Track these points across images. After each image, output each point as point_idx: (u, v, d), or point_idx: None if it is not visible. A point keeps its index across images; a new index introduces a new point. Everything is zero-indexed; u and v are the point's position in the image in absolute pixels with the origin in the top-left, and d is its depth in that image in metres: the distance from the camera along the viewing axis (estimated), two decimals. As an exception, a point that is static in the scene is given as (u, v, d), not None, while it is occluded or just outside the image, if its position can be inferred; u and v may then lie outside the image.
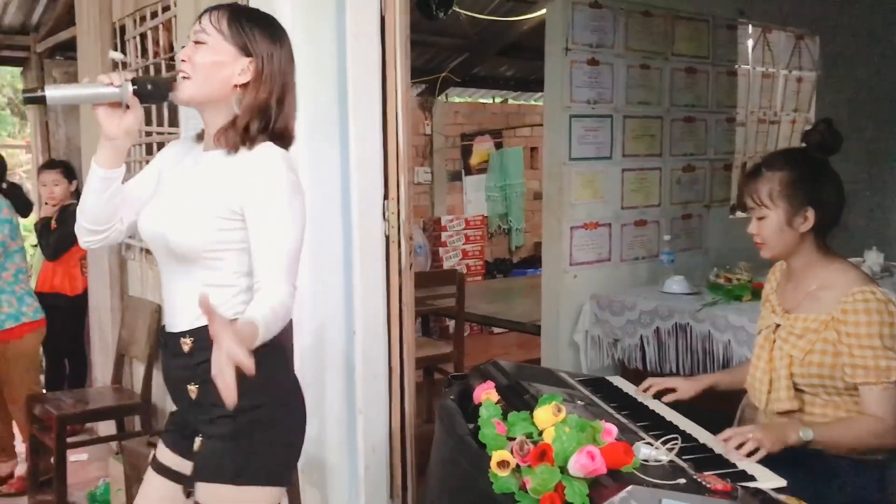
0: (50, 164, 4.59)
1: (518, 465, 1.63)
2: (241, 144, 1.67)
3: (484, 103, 7.97)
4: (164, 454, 1.83)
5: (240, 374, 1.38)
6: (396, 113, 2.71)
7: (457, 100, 7.79)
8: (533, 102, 8.24)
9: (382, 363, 2.80)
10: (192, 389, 1.70)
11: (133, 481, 2.81)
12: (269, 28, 1.73)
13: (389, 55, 2.69)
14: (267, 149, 1.67)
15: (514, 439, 1.69)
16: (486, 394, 2.04)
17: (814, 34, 5.03)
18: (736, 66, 4.56)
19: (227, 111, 1.70)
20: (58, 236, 4.38)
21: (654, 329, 3.45)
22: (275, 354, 1.69)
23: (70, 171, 4.51)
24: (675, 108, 4.21)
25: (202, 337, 1.57)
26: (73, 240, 4.55)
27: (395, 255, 2.77)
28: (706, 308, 3.32)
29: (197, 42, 1.68)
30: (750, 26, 4.69)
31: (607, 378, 2.53)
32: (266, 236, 1.62)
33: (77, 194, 4.52)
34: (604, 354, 3.69)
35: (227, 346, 1.35)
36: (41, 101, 1.60)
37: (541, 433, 1.69)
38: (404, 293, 2.80)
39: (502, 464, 1.62)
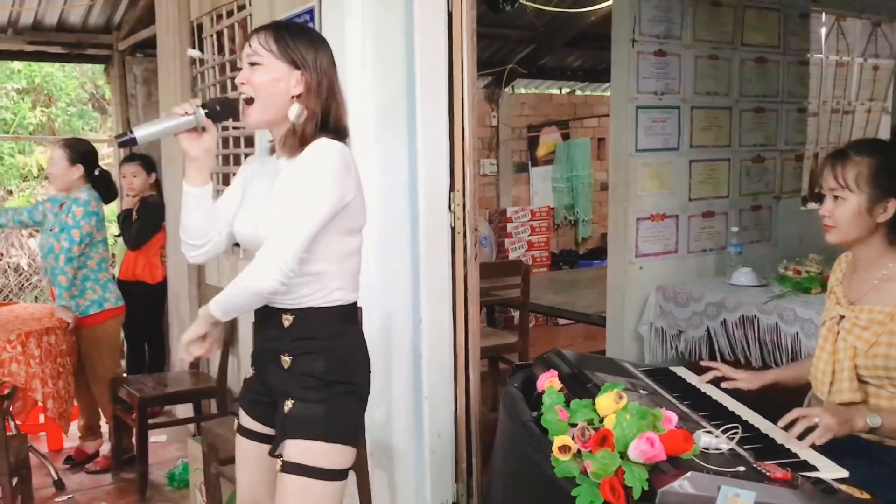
0: (131, 157, 4.79)
1: (579, 451, 1.68)
2: (299, 147, 1.82)
3: (551, 94, 7.95)
4: (245, 419, 2.03)
5: (338, 355, 1.87)
6: (463, 106, 2.76)
7: (523, 91, 7.79)
8: (600, 93, 8.19)
9: (448, 351, 2.86)
10: (286, 360, 1.88)
11: (211, 460, 2.94)
12: (310, 37, 1.89)
13: (456, 50, 2.74)
14: (320, 140, 1.82)
15: (575, 425, 1.74)
16: (549, 381, 2.08)
17: (892, 20, 4.90)
18: (808, 55, 4.47)
19: (288, 121, 1.85)
20: (139, 227, 4.57)
21: (720, 321, 3.43)
22: (357, 334, 1.97)
23: (149, 164, 4.69)
24: (744, 99, 4.16)
25: (301, 316, 1.86)
26: (153, 230, 4.77)
27: (460, 245, 2.83)
28: (774, 300, 3.29)
29: (252, 64, 1.83)
30: (823, 14, 4.59)
31: (671, 368, 2.54)
32: (286, 207, 1.78)
33: (156, 186, 4.71)
34: (668, 346, 3.68)
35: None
36: (133, 142, 1.79)
37: (602, 420, 1.73)
38: (469, 283, 2.86)
39: (563, 448, 1.67)
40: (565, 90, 8.04)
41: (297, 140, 1.83)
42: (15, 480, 2.94)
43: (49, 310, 3.80)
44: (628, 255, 3.81)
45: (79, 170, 3.84)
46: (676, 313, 3.62)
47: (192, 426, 4.38)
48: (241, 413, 2.04)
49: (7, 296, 8.34)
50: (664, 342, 3.68)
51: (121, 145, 1.81)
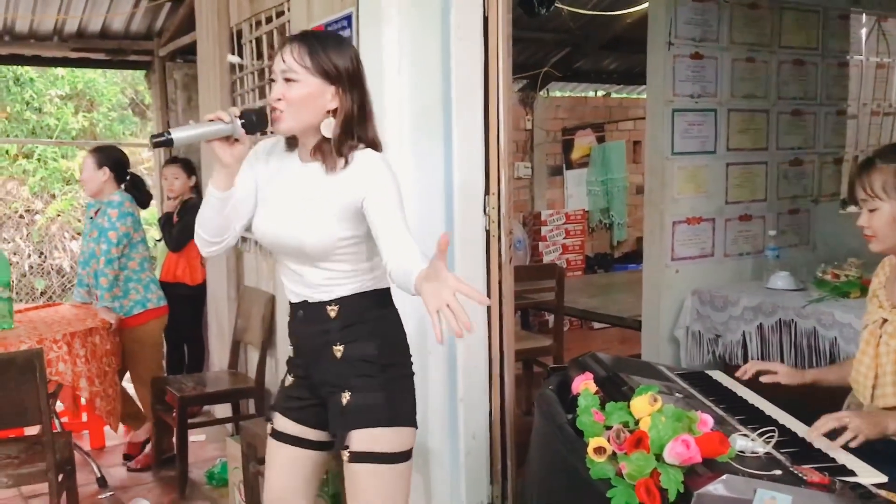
0: (172, 160, 4.88)
1: (614, 453, 1.69)
2: (338, 159, 1.89)
3: (585, 97, 7.93)
4: (282, 423, 2.08)
5: (386, 337, 1.97)
6: (498, 110, 2.78)
7: (558, 94, 7.78)
8: (636, 96, 8.16)
9: (483, 353, 2.88)
10: (338, 349, 1.95)
11: (250, 459, 2.99)
12: (340, 47, 1.92)
13: (492, 54, 2.77)
14: (367, 155, 1.91)
15: (611, 428, 1.75)
16: (584, 384, 2.09)
17: (934, 20, 4.83)
18: (848, 57, 4.42)
19: (318, 131, 1.90)
20: (180, 229, 4.65)
21: (757, 325, 3.41)
22: (397, 316, 2.05)
23: (190, 167, 4.78)
24: (782, 102, 4.12)
25: (346, 304, 1.94)
26: (193, 233, 4.84)
27: (495, 249, 2.85)
28: (812, 304, 3.26)
29: (287, 80, 1.86)
30: (864, 15, 4.54)
31: (706, 372, 2.54)
32: (391, 223, 1.85)
33: (196, 189, 4.79)
34: (704, 350, 3.66)
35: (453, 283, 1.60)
36: (169, 143, 1.83)
37: (637, 422, 1.74)
38: (504, 286, 2.88)
39: (599, 450, 1.68)
40: (600, 93, 8.02)
41: (336, 153, 1.89)
42: (60, 477, 3.01)
43: (93, 311, 3.89)
44: (664, 259, 3.80)
45: (105, 173, 3.92)
46: (713, 317, 3.61)
47: (230, 426, 4.46)
48: (278, 418, 2.09)
49: (50, 297, 8.53)
50: (701, 346, 3.67)
51: (156, 145, 1.85)
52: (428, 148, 2.78)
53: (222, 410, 4.54)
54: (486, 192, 2.82)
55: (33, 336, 3.35)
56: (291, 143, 1.99)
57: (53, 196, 9.11)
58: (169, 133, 1.83)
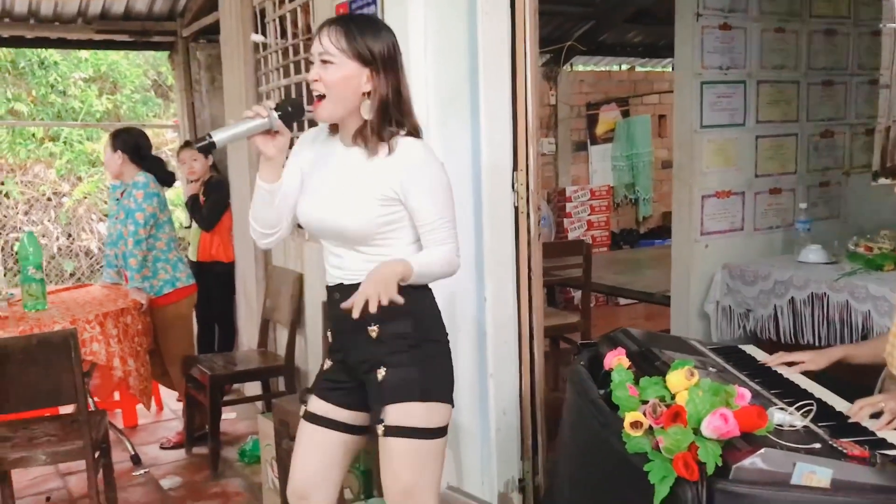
0: (187, 144, 4.91)
1: (651, 427, 1.68)
2: (379, 143, 1.93)
3: (609, 71, 7.85)
4: (317, 406, 2.10)
5: (422, 314, 2.00)
6: (526, 86, 2.76)
7: (582, 68, 7.70)
8: (661, 69, 8.06)
9: (512, 329, 2.88)
10: (373, 329, 1.97)
11: (282, 436, 3.02)
12: (376, 32, 1.95)
13: (519, 29, 2.74)
14: (409, 142, 1.94)
15: (646, 402, 1.74)
16: (617, 359, 2.09)
17: (970, -13, 4.71)
18: (881, 25, 4.33)
19: (358, 115, 1.94)
20: (209, 207, 4.69)
21: (788, 299, 3.37)
22: (431, 294, 2.06)
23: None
24: (812, 72, 4.05)
25: None
26: (223, 208, 4.87)
27: (523, 225, 2.83)
28: (845, 278, 3.22)
29: (324, 62, 1.91)
30: (897, -19, 4.44)
31: (740, 346, 2.52)
32: (430, 218, 1.93)
33: (216, 168, 4.81)
34: (735, 325, 3.64)
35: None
36: (212, 146, 1.89)
37: (673, 396, 1.73)
38: (533, 262, 2.87)
39: (635, 424, 1.68)
40: (625, 67, 7.93)
41: (377, 138, 1.93)
42: (97, 454, 3.06)
43: (123, 292, 3.93)
44: (693, 234, 3.76)
45: (120, 157, 3.94)
46: (744, 291, 3.58)
47: (259, 404, 4.50)
48: (314, 400, 2.12)
49: (79, 279, 8.63)
50: (731, 321, 3.64)
51: (200, 150, 1.91)
52: (455, 125, 2.77)
53: (251, 388, 4.58)
54: (514, 168, 2.81)
55: (66, 316, 3.40)
56: (334, 128, 2.03)
57: (80, 178, 9.18)
58: (210, 136, 1.88)
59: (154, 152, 4.34)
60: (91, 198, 9.11)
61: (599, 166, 7.36)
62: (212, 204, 4.68)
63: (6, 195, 8.61)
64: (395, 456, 1.96)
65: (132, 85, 10.06)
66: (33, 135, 9.09)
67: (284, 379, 3.91)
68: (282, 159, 1.96)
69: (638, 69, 7.97)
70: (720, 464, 1.56)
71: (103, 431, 3.18)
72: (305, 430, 2.11)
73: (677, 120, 3.83)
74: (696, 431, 1.60)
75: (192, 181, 4.75)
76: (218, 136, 1.88)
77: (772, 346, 2.80)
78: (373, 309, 1.77)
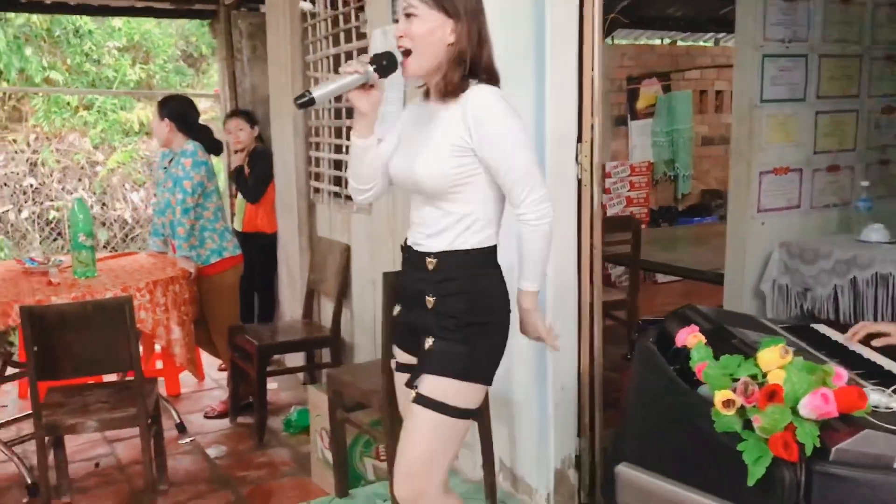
0: (233, 113, 4.88)
1: (742, 406, 1.63)
2: (454, 92, 1.91)
3: (651, 45, 7.70)
4: (399, 355, 2.16)
5: (479, 297, 1.96)
6: (593, 54, 2.69)
7: (623, 42, 7.57)
8: (703, 43, 7.91)
9: (572, 304, 2.84)
10: (430, 300, 1.98)
11: (336, 407, 3.00)
12: None
13: (587, -3, 2.66)
14: (479, 88, 1.92)
15: (736, 380, 1.69)
16: (693, 337, 2.03)
17: None
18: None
19: (443, 69, 1.94)
20: (255, 179, 4.67)
21: (850, 279, 3.30)
22: (498, 275, 2.04)
23: (252, 118, 4.76)
24: (876, 47, 3.93)
25: (445, 260, 1.96)
26: (268, 179, 4.84)
27: (587, 198, 2.78)
28: (910, 258, 3.15)
29: (408, 15, 1.92)
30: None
31: (812, 325, 2.46)
32: (502, 164, 1.90)
33: (260, 138, 4.77)
34: (791, 304, 3.56)
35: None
36: (311, 102, 1.88)
37: (764, 375, 1.68)
38: (594, 236, 2.82)
39: (727, 403, 1.63)
40: (667, 41, 7.78)
41: (450, 87, 1.92)
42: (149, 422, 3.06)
43: (171, 260, 3.92)
44: (750, 211, 3.69)
45: (169, 125, 3.91)
46: (803, 270, 3.50)
47: (301, 375, 4.50)
48: (396, 349, 2.16)
49: (114, 248, 8.67)
50: (788, 300, 3.57)
51: (300, 106, 1.90)
52: (520, 95, 2.70)
53: (292, 359, 4.58)
54: (579, 139, 2.75)
55: (117, 284, 3.39)
56: (427, 90, 2.04)
57: (114, 148, 9.21)
58: (309, 93, 1.88)
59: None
60: (125, 167, 9.14)
61: (639, 142, 7.23)
62: (258, 174, 4.66)
63: (42, 163, 8.65)
64: (418, 424, 1.96)
65: (165, 55, 10.05)
66: (68, 103, 9.11)
67: (330, 351, 3.89)
68: (375, 115, 1.99)
69: (680, 43, 7.82)
70: (818, 445, 1.51)
71: (155, 399, 3.18)
72: (396, 380, 2.17)
73: (736, 94, 3.74)
74: (794, 411, 1.55)
75: (237, 151, 4.72)
76: (317, 93, 1.88)
77: (831, 327, 2.73)
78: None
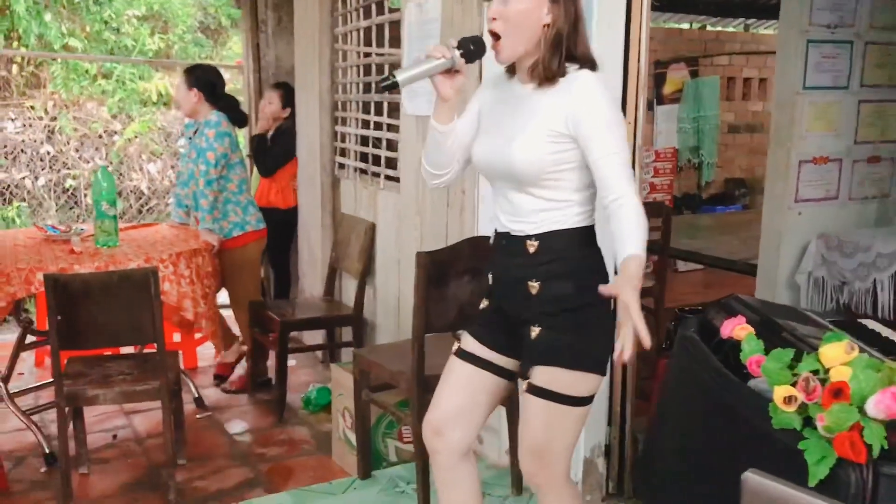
0: (275, 85, 4.80)
1: (803, 403, 1.56)
2: (553, 77, 1.83)
3: (680, 29, 7.57)
4: (470, 345, 2.05)
5: (585, 277, 1.86)
6: (640, 33, 2.63)
7: (651, 25, 7.43)
8: (732, 29, 7.77)
9: (606, 291, 2.76)
10: (534, 285, 1.89)
11: (362, 386, 2.95)
12: None
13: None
14: (581, 74, 1.83)
15: (796, 376, 1.62)
16: (741, 329, 1.97)
17: None
18: None
19: (537, 51, 1.85)
20: (273, 157, 4.60)
21: (891, 273, 3.22)
22: (599, 255, 1.96)
23: (286, 98, 4.66)
24: (924, 35, 3.83)
25: (547, 241, 1.88)
26: (287, 158, 4.77)
27: (627, 181, 2.69)
28: (954, 254, 3.06)
29: None
30: None
31: (860, 320, 2.38)
32: (605, 150, 1.78)
33: (292, 118, 4.68)
34: (827, 298, 3.49)
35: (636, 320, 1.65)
36: (395, 85, 1.83)
37: (827, 371, 1.61)
38: (634, 221, 2.74)
39: (789, 399, 1.56)
40: (696, 25, 7.65)
41: (549, 71, 1.83)
42: (170, 395, 3.01)
43: (194, 232, 3.86)
44: (787, 200, 3.60)
45: (196, 94, 3.84)
46: (841, 263, 3.42)
47: (319, 353, 4.45)
48: (467, 338, 2.07)
49: (130, 219, 8.63)
50: (823, 293, 3.49)
51: (384, 89, 1.85)
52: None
53: (310, 337, 4.53)
54: (622, 121, 2.66)
55: (140, 254, 3.33)
56: (512, 70, 1.96)
57: (131, 117, 9.14)
58: (394, 75, 1.82)
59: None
60: (142, 137, 9.08)
61: (664, 127, 7.12)
62: (276, 154, 4.60)
63: (59, 131, 8.60)
64: (534, 415, 1.92)
65: (184, 25, 9.96)
66: (87, 71, 9.04)
67: (353, 330, 3.83)
68: (457, 101, 1.91)
69: (709, 28, 7.68)
70: (886, 446, 1.45)
71: (176, 372, 3.13)
72: (455, 367, 2.06)
73: (778, 79, 3.64)
74: (860, 410, 1.48)
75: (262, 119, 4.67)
76: (401, 76, 1.82)
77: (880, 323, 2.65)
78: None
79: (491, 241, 2.04)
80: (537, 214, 1.87)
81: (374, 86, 3.79)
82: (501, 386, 2.07)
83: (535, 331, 1.89)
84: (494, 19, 1.82)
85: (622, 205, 1.76)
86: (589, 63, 1.86)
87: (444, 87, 1.87)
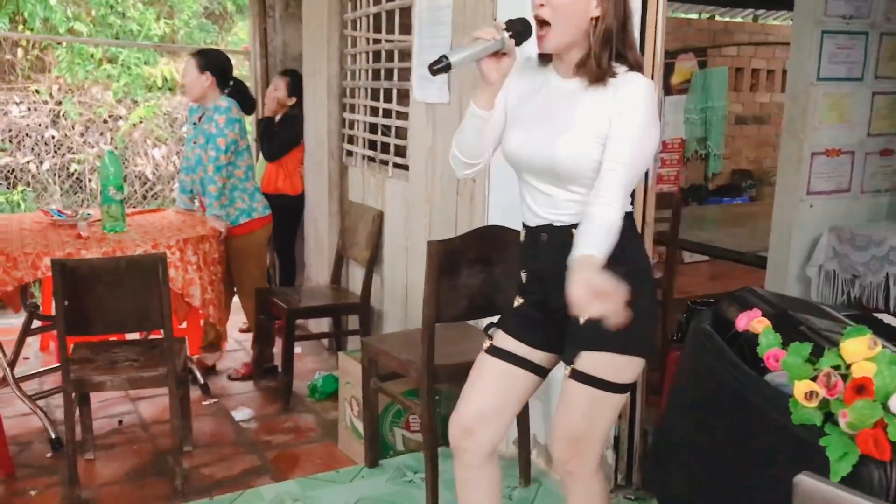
0: (283, 72, 4.77)
1: (825, 399, 1.55)
2: (603, 77, 1.79)
3: (688, 18, 7.52)
4: (504, 341, 2.02)
5: (633, 262, 1.84)
6: (656, 25, 2.60)
7: (659, 15, 7.37)
8: (741, 19, 7.72)
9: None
10: None
11: (371, 375, 2.93)
12: None
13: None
14: (633, 79, 1.80)
15: (818, 371, 1.60)
16: (758, 322, 1.95)
17: None
18: None
19: (584, 44, 1.80)
20: (279, 143, 4.56)
21: (903, 267, 3.20)
22: (641, 240, 2.02)
23: (293, 87, 4.62)
24: (939, 27, 3.79)
25: None
26: (292, 144, 4.73)
27: (640, 172, 2.67)
28: (968, 248, 3.03)
29: None
30: None
31: (875, 315, 2.36)
32: (617, 159, 1.77)
33: (298, 106, 4.64)
34: (838, 291, 3.46)
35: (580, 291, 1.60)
36: (448, 68, 1.77)
37: (848, 366, 1.59)
38: (647, 213, 2.74)
39: (810, 395, 1.54)
40: (705, 15, 7.59)
41: (600, 70, 1.79)
42: (177, 382, 2.99)
43: (200, 218, 3.84)
44: (799, 193, 3.57)
45: (208, 78, 3.80)
46: (853, 257, 3.39)
47: (325, 341, 4.44)
48: (501, 335, 2.04)
49: (134, 205, 8.61)
50: (834, 286, 3.46)
51: (435, 72, 1.78)
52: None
53: (315, 325, 4.52)
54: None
55: (147, 240, 3.31)
56: (545, 58, 1.91)
57: (136, 102, 9.10)
58: (446, 58, 1.76)
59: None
60: (147, 122, 9.04)
61: (672, 118, 7.07)
62: (282, 140, 4.56)
63: (64, 115, 8.56)
64: (575, 400, 1.91)
65: (189, 10, 9.91)
66: (91, 55, 9.00)
67: (360, 318, 3.81)
68: (501, 86, 1.85)
69: (718, 18, 7.63)
70: (909, 443, 1.43)
71: (183, 359, 3.12)
72: (487, 364, 2.03)
73: (792, 71, 3.60)
74: (884, 407, 1.46)
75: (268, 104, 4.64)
76: (454, 58, 1.76)
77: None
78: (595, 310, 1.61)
79: (522, 237, 1.99)
80: (579, 205, 1.83)
81: (383, 72, 3.75)
82: (534, 384, 2.05)
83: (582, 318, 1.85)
84: (542, 5, 1.78)
85: (604, 212, 1.75)
86: (638, 67, 1.83)
87: (490, 70, 1.81)
